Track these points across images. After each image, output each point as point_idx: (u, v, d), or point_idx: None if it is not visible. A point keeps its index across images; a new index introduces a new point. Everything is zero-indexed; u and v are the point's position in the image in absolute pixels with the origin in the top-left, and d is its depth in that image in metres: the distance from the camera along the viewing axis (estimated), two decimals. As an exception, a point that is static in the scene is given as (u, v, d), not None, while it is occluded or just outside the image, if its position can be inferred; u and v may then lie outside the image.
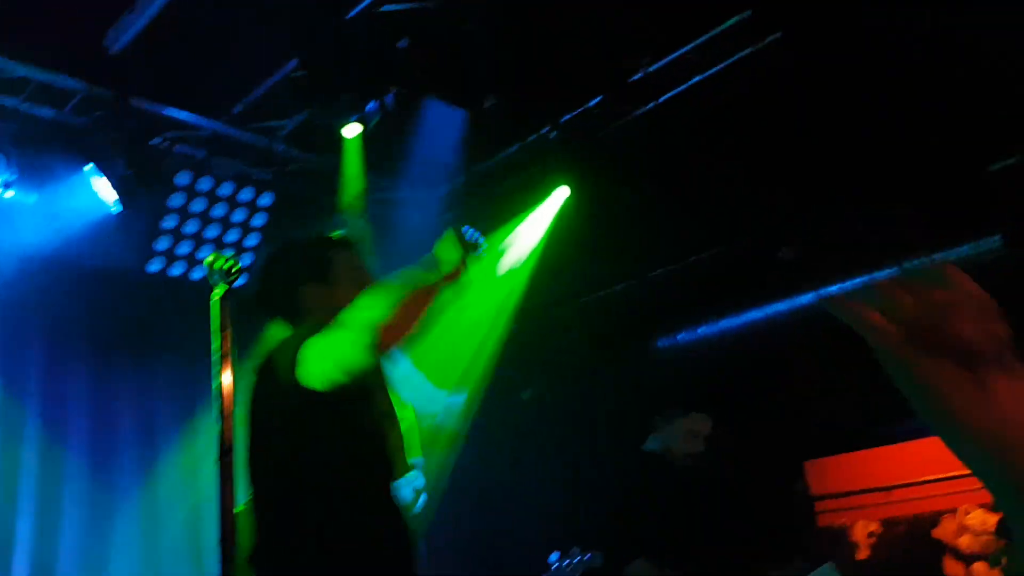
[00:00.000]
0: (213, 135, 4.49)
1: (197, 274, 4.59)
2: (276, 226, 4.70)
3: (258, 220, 4.63)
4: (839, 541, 5.83)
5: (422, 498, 4.21)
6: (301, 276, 2.23)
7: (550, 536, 4.65)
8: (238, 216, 4.61)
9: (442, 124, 4.22)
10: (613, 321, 5.94)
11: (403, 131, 4.35)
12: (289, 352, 2.00)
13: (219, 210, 4.57)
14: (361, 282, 2.25)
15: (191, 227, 4.53)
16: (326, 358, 1.93)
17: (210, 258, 1.83)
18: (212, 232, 4.56)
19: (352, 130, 3.99)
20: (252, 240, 4.68)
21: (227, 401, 1.78)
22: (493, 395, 5.73)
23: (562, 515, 5.34)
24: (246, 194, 4.56)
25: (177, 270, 4.59)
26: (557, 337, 5.76)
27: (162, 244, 4.51)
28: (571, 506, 5.44)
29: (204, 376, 4.92)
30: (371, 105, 3.67)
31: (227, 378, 1.77)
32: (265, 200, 4.61)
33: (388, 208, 5.15)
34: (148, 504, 4.61)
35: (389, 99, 3.72)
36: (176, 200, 4.45)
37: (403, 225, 5.10)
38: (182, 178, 4.42)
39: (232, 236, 4.62)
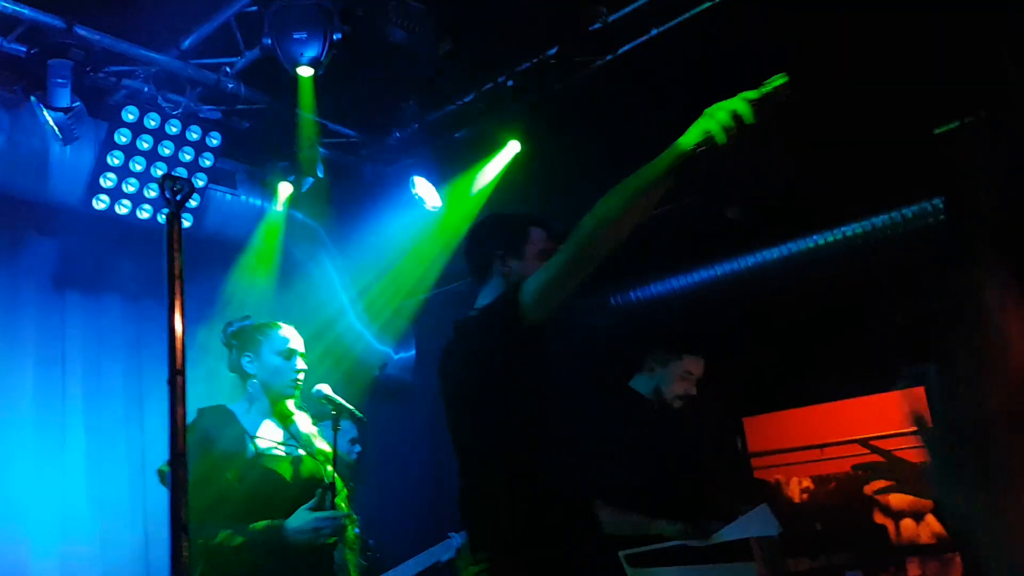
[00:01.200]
0: (161, 70, 4.38)
1: (144, 212, 4.51)
2: (224, 166, 4.62)
3: (206, 160, 4.55)
4: (774, 495, 6.02)
5: (356, 448, 4.24)
6: (498, 248, 2.46)
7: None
8: (186, 155, 4.52)
9: (396, 69, 4.17)
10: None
11: (357, 74, 4.29)
12: (502, 300, 2.24)
13: (166, 148, 4.47)
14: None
15: (138, 165, 4.43)
16: (547, 268, 2.14)
17: (162, 180, 1.81)
18: (159, 170, 4.47)
19: (306, 70, 3.92)
20: (199, 180, 4.59)
21: (177, 324, 1.76)
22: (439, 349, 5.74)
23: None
24: (194, 132, 4.47)
25: (124, 208, 4.50)
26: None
27: (108, 181, 4.40)
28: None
29: (152, 313, 4.88)
30: (325, 42, 3.61)
31: (177, 302, 1.75)
32: (214, 139, 4.52)
33: (340, 153, 5.09)
34: (95, 437, 4.57)
35: (342, 39, 3.66)
36: (122, 136, 4.34)
37: (356, 170, 5.05)
38: (129, 114, 4.31)
39: (179, 175, 4.52)
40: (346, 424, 3.51)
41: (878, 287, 4.47)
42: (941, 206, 4.07)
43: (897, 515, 5.66)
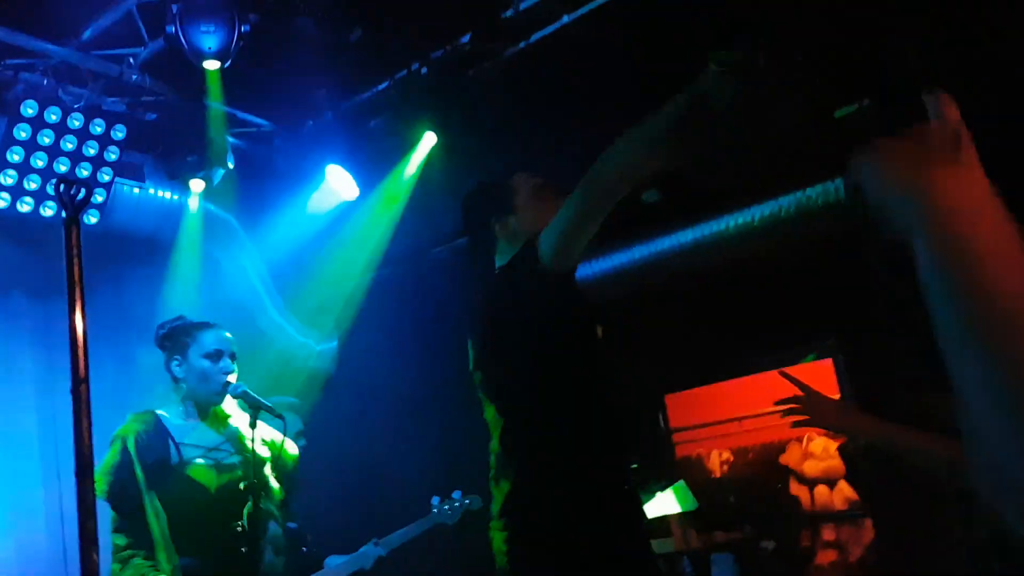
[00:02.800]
0: (61, 63, 4.22)
1: (47, 210, 4.37)
2: (130, 160, 4.50)
3: (111, 154, 4.42)
4: (696, 469, 6.18)
5: (301, 441, 4.20)
6: (488, 213, 2.39)
7: (432, 481, 4.71)
8: (89, 149, 4.38)
9: (307, 57, 4.11)
10: (486, 264, 5.99)
11: (266, 62, 4.22)
12: (522, 253, 2.14)
13: (69, 143, 4.33)
14: (546, 199, 2.34)
15: (39, 161, 4.28)
16: (563, 214, 2.03)
17: (57, 183, 1.77)
18: (63, 166, 4.33)
19: (213, 62, 3.84)
20: (105, 175, 4.46)
21: (79, 331, 1.72)
22: (371, 338, 5.71)
23: (445, 459, 5.40)
24: (97, 126, 4.33)
25: (25, 206, 4.34)
26: (432, 280, 5.78)
27: (8, 179, 4.24)
28: (454, 450, 5.50)
29: (59, 314, 4.74)
30: (231, 33, 3.53)
31: (78, 308, 1.72)
32: (118, 133, 4.40)
33: (252, 143, 4.99)
34: (6, 441, 4.42)
35: (249, 28, 3.59)
36: (22, 132, 4.19)
37: (268, 161, 4.97)
38: (28, 109, 4.16)
39: (84, 171, 4.39)
40: (290, 419, 3.46)
41: (787, 265, 4.61)
42: (843, 184, 4.22)
43: (811, 483, 5.88)
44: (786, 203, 4.46)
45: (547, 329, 2.20)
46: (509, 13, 4.25)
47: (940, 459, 2.05)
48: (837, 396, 5.13)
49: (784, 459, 6.06)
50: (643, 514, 2.37)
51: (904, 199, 0.85)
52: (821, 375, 5.33)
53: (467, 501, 4.32)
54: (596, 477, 2.18)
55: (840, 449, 5.76)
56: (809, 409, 2.34)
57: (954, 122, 0.89)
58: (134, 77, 4.34)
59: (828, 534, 5.56)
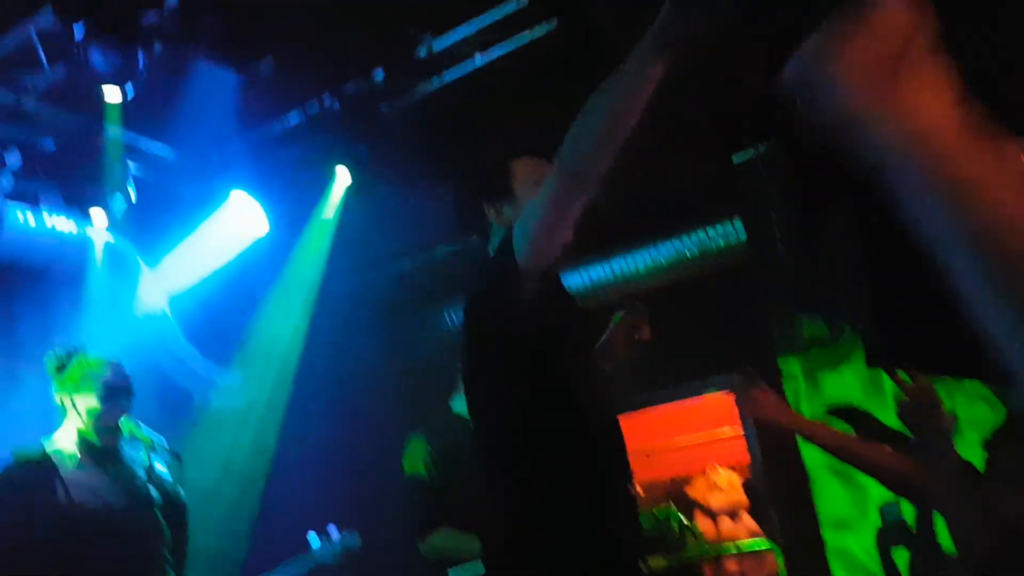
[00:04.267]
0: (-47, 89, 4.06)
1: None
2: (26, 190, 4.34)
3: (4, 182, 4.25)
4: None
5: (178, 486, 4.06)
6: (482, 194, 2.14)
7: (315, 517, 4.60)
8: (-18, 177, 4.21)
9: (214, 85, 4.05)
10: (404, 295, 5.97)
11: (171, 91, 4.13)
12: (496, 254, 1.91)
13: (-41, 170, 4.15)
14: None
15: (-73, 189, 4.10)
16: (534, 204, 1.82)
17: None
18: (-48, 193, 4.15)
19: (114, 90, 3.75)
20: (-2, 205, 4.28)
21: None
22: (274, 371, 5.61)
23: (331, 495, 5.30)
24: (-8, 154, 4.17)
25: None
26: (345, 311, 5.74)
27: None
28: (341, 486, 5.41)
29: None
30: (135, 62, 3.46)
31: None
32: (13, 161, 4.24)
33: (155, 173, 4.86)
34: None
35: (154, 56, 3.52)
36: (-94, 157, 4.00)
37: (172, 191, 4.85)
38: (-84, 134, 3.98)
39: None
40: (170, 459, 3.35)
41: (691, 300, 4.74)
42: (740, 226, 4.39)
43: (716, 514, 6.00)
44: (689, 241, 4.61)
45: (519, 343, 1.94)
46: (423, 52, 4.28)
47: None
48: (740, 429, 5.27)
49: (690, 491, 6.17)
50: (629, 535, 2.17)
51: (876, 124, 0.71)
52: (724, 409, 5.47)
53: (345, 537, 4.18)
54: (578, 508, 1.97)
55: (744, 484, 5.89)
56: (746, 399, 2.33)
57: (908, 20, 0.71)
58: (32, 105, 4.20)
59: (731, 565, 5.67)
